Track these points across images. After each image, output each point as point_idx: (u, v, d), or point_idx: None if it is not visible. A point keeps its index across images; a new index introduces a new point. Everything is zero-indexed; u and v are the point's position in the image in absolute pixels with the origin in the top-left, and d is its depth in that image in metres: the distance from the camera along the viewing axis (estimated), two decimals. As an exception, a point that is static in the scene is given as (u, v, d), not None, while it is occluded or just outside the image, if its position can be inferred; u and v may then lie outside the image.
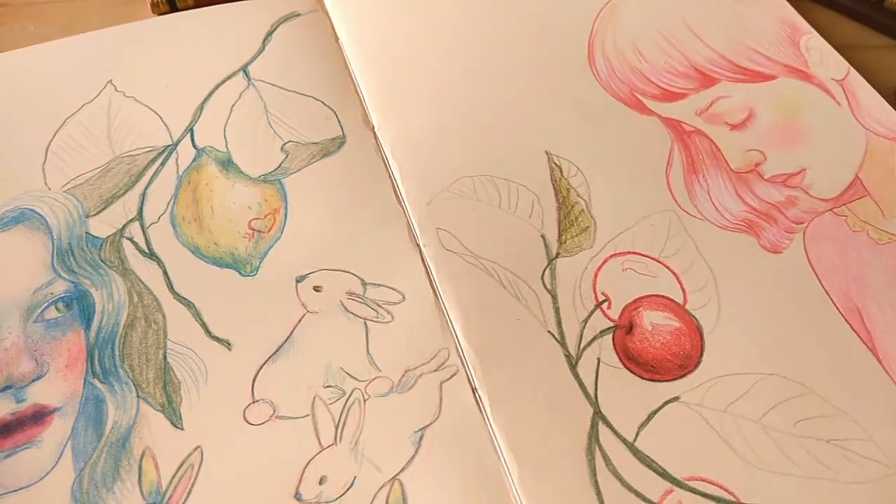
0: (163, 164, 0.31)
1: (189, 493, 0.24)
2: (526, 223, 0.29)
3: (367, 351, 0.26)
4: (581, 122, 0.32)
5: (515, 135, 0.31)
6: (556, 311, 0.27)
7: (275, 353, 0.26)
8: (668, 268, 0.28)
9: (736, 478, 0.24)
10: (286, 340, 0.27)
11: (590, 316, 0.27)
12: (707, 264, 0.28)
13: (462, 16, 0.35)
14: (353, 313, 0.27)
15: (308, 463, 0.24)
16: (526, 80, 0.33)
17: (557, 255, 0.28)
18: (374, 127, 0.32)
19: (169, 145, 0.31)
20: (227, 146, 0.31)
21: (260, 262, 0.28)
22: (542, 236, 0.29)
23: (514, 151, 0.31)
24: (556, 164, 0.31)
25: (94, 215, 0.29)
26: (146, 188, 0.30)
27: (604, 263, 0.28)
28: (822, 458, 0.24)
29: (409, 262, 0.28)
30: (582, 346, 0.26)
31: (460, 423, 0.25)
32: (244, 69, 0.33)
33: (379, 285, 0.28)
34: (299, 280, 0.28)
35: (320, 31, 0.35)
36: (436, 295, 0.28)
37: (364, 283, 0.28)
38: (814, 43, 0.35)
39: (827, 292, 0.27)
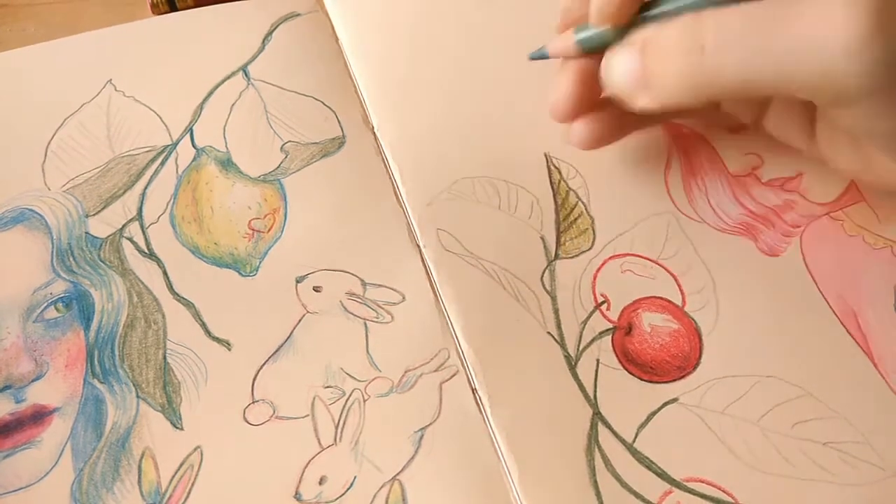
0: (162, 163, 0.31)
1: (189, 494, 0.24)
2: (525, 225, 0.29)
3: (367, 351, 0.27)
4: None
5: (514, 137, 0.31)
6: (556, 312, 0.27)
7: (275, 353, 0.26)
8: (666, 270, 0.28)
9: (734, 479, 0.24)
10: (286, 340, 0.27)
11: (589, 317, 0.27)
12: (705, 266, 0.28)
13: (463, 18, 0.35)
14: (353, 313, 0.27)
15: (308, 463, 0.24)
16: (525, 83, 0.33)
17: (557, 256, 0.29)
18: (374, 127, 0.32)
19: (168, 145, 0.31)
20: (226, 146, 0.31)
21: (260, 262, 0.28)
22: (542, 238, 0.29)
23: (514, 153, 0.31)
24: (555, 167, 0.31)
25: (94, 215, 0.29)
26: (146, 188, 0.30)
27: (603, 265, 0.28)
28: (819, 461, 0.24)
29: (409, 263, 0.29)
30: (581, 347, 0.27)
31: (460, 424, 0.25)
32: (244, 69, 0.33)
33: (379, 285, 0.28)
34: (299, 280, 0.28)
35: (320, 31, 0.35)
36: (436, 295, 0.28)
37: (364, 284, 0.28)
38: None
39: (823, 295, 0.27)
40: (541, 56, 0.29)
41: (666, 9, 0.24)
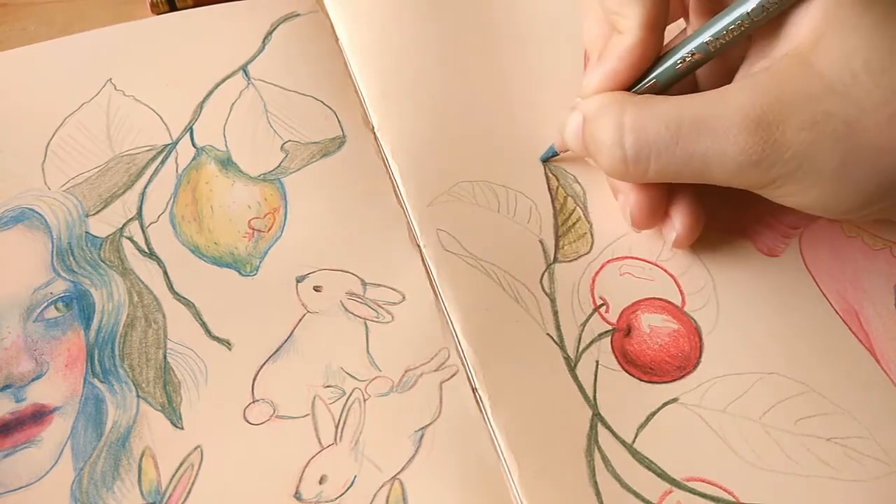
0: (162, 163, 0.31)
1: (189, 493, 0.24)
2: (524, 228, 0.29)
3: (367, 351, 0.27)
4: None
5: (513, 142, 0.32)
6: (555, 314, 0.27)
7: (275, 352, 0.26)
8: (665, 271, 0.28)
9: (735, 477, 0.24)
10: (286, 340, 0.27)
11: (588, 319, 0.27)
12: (705, 267, 0.28)
13: (464, 19, 0.35)
14: (353, 313, 0.27)
15: (308, 462, 0.24)
16: (524, 90, 0.33)
17: (555, 259, 0.29)
18: (374, 127, 0.32)
19: (168, 144, 0.31)
20: (226, 145, 0.31)
21: (260, 262, 0.28)
22: (541, 241, 0.29)
23: (512, 159, 0.31)
24: (552, 174, 0.31)
25: (94, 214, 0.29)
26: (146, 187, 0.30)
27: (601, 268, 0.28)
28: (823, 457, 0.24)
29: (410, 263, 0.29)
30: (580, 348, 0.27)
31: (460, 423, 0.25)
32: (244, 68, 0.33)
33: (379, 285, 0.28)
34: (299, 280, 0.28)
35: (320, 31, 0.35)
36: (436, 295, 0.28)
37: (364, 283, 0.28)
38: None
39: (824, 294, 0.28)
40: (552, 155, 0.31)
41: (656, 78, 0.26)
